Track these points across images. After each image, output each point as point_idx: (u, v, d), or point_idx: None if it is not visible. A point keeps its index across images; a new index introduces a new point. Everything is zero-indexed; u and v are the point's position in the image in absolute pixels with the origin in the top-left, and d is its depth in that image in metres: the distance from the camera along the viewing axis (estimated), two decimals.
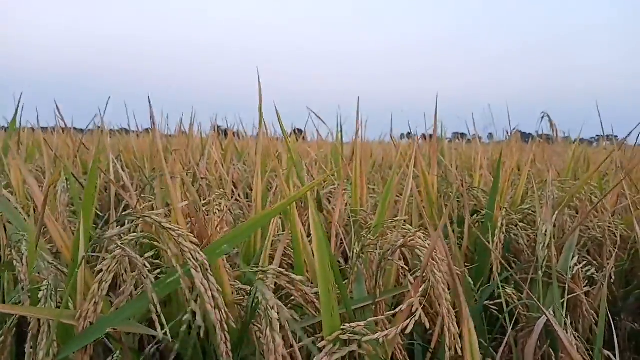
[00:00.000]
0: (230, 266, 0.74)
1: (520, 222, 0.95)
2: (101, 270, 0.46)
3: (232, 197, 1.20)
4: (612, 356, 0.64)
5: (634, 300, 0.90)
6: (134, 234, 0.48)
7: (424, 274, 0.52)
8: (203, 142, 2.23)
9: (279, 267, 0.69)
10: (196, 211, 0.63)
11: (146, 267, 0.47)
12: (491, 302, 0.71)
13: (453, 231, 1.02)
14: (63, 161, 1.40)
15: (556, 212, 0.80)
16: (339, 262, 0.94)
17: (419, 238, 0.55)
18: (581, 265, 0.72)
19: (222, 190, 1.09)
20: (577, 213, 0.95)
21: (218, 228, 0.63)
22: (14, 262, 0.58)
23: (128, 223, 0.54)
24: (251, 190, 1.18)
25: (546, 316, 0.57)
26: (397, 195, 1.06)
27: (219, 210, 0.70)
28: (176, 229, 0.44)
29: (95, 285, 0.46)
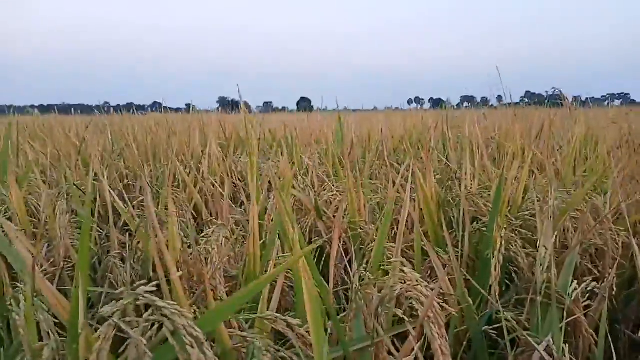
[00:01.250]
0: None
1: (519, 228, 0.95)
2: (98, 338, 0.47)
3: (231, 209, 1.20)
4: None
5: (636, 305, 0.90)
6: (129, 299, 0.48)
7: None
8: (204, 131, 2.22)
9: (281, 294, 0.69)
10: (191, 256, 0.64)
11: (145, 333, 0.48)
12: (491, 328, 0.71)
13: (455, 236, 1.01)
14: (62, 169, 1.40)
15: (555, 233, 0.79)
16: (343, 276, 0.94)
17: (417, 286, 0.55)
18: (581, 288, 0.71)
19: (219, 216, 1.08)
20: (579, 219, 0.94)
21: (216, 281, 0.63)
22: (14, 315, 0.59)
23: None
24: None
25: (539, 353, 0.57)
26: (398, 192, 1.05)
27: (217, 247, 0.70)
28: (168, 307, 0.44)
29: (94, 355, 0.46)
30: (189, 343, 0.43)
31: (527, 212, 0.97)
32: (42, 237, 1.01)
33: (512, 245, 0.82)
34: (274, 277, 0.58)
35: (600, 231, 0.89)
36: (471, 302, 0.75)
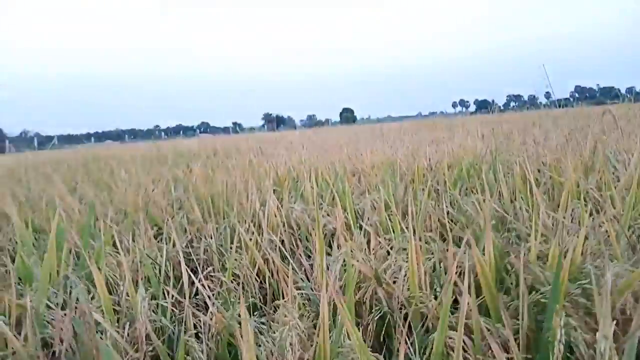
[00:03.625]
0: None
1: (579, 297, 0.97)
2: None
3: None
4: None
5: None
6: None
7: None
8: (258, 174, 2.29)
9: None
10: None
11: None
12: None
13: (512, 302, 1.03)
14: (129, 227, 1.49)
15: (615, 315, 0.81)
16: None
17: None
18: None
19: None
20: None
21: None
22: None
23: None
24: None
25: None
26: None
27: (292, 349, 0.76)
28: None
29: None
30: None
31: (585, 281, 0.98)
32: (124, 316, 1.10)
33: (572, 330, 0.83)
34: None
35: None
36: None
